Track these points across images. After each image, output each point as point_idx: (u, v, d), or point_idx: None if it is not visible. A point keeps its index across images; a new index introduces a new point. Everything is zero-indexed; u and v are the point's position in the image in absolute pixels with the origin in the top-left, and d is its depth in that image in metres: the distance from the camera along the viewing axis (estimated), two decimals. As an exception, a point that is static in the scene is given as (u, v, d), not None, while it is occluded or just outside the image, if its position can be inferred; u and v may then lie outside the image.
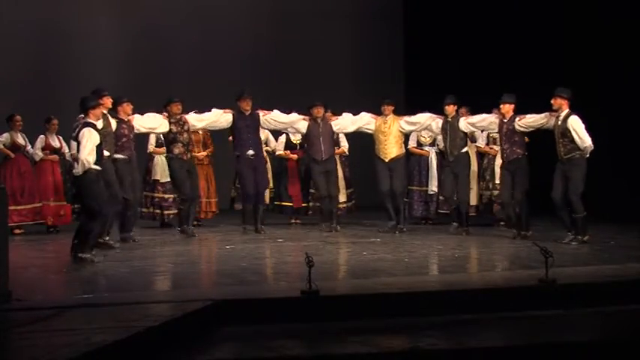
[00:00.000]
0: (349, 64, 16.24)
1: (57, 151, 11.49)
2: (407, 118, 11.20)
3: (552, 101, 9.70)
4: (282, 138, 12.18)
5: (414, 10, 16.25)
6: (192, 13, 15.50)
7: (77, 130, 8.23)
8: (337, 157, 12.18)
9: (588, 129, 9.58)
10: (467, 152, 10.97)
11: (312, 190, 11.94)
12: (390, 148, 11.09)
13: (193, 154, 11.72)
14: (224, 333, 5.85)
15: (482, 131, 11.49)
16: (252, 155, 10.76)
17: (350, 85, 15.64)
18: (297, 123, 11.16)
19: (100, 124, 8.69)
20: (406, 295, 6.53)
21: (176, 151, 10.49)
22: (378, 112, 11.21)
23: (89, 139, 8.07)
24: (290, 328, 5.99)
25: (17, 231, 11.08)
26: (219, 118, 10.79)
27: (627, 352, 5.60)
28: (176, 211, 11.55)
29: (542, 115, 9.97)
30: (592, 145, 9.51)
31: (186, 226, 10.62)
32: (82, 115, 8.63)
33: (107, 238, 9.53)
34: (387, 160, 11.08)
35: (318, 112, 11.10)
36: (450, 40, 14.63)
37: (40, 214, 11.34)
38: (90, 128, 8.13)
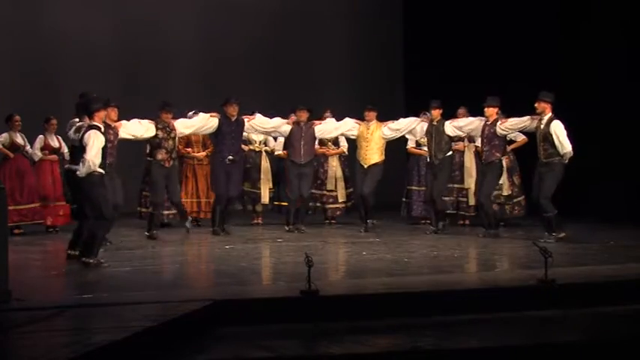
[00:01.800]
0: (348, 65, 16.21)
1: (56, 151, 11.48)
2: (390, 124, 11.24)
3: (536, 104, 9.86)
4: (282, 138, 12.18)
5: (413, 11, 16.23)
6: (192, 13, 15.48)
7: (81, 134, 8.19)
8: (336, 157, 12.25)
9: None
10: (451, 156, 11.11)
11: (311, 190, 11.93)
12: (371, 155, 11.16)
13: (193, 154, 11.76)
14: (223, 333, 5.86)
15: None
16: (230, 160, 10.77)
17: (349, 85, 15.64)
18: (281, 127, 11.20)
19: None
20: (405, 295, 6.54)
21: (159, 157, 10.45)
22: (379, 114, 11.26)
23: (96, 140, 8.05)
24: (289, 328, 6.00)
25: (17, 231, 11.07)
26: (206, 123, 10.77)
27: (626, 352, 5.61)
28: (175, 212, 11.54)
29: (524, 118, 10.14)
30: (571, 152, 9.72)
31: (155, 231, 10.56)
32: (77, 119, 8.65)
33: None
34: (365, 167, 11.16)
35: (301, 115, 11.14)
36: (449, 42, 14.62)
37: (40, 214, 11.33)
38: (96, 131, 8.10)
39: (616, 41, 12.34)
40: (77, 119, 8.74)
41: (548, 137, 9.71)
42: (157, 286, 7.45)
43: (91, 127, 8.12)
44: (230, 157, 10.74)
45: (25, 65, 14.23)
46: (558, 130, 9.68)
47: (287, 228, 11.17)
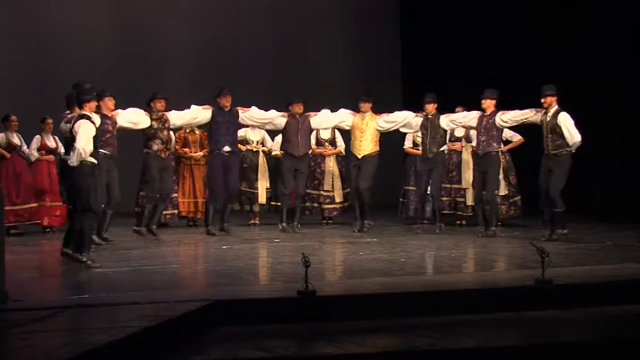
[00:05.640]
0: (346, 64, 16.23)
1: (53, 151, 11.47)
2: (385, 116, 11.23)
3: (542, 100, 9.86)
4: (279, 138, 12.17)
5: (410, 11, 16.26)
6: (191, 12, 15.48)
7: (72, 123, 8.20)
8: (333, 157, 12.24)
9: (579, 127, 9.70)
10: (444, 152, 11.09)
11: (308, 191, 11.94)
12: (365, 145, 11.12)
13: (190, 154, 11.74)
14: (220, 333, 5.85)
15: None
16: (227, 152, 10.73)
17: (347, 84, 15.63)
18: (276, 119, 11.15)
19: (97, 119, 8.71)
20: (402, 295, 6.53)
21: (155, 147, 10.39)
22: (376, 111, 11.25)
23: (86, 129, 8.05)
24: (286, 328, 5.99)
25: (13, 231, 11.05)
26: (199, 114, 10.74)
27: (623, 352, 5.61)
28: (174, 212, 11.53)
29: (527, 110, 10.10)
30: (580, 141, 9.65)
31: (152, 225, 10.44)
32: (68, 112, 8.66)
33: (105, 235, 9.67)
34: (359, 157, 11.12)
35: (299, 108, 11.11)
36: (446, 40, 14.65)
37: (36, 214, 11.32)
38: (86, 120, 8.11)
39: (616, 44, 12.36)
40: (68, 111, 8.74)
41: (556, 129, 9.73)
42: (154, 286, 7.43)
43: (81, 116, 8.14)
44: (227, 147, 10.68)
45: (22, 65, 14.23)
46: (566, 121, 9.72)
47: (281, 227, 11.13)
